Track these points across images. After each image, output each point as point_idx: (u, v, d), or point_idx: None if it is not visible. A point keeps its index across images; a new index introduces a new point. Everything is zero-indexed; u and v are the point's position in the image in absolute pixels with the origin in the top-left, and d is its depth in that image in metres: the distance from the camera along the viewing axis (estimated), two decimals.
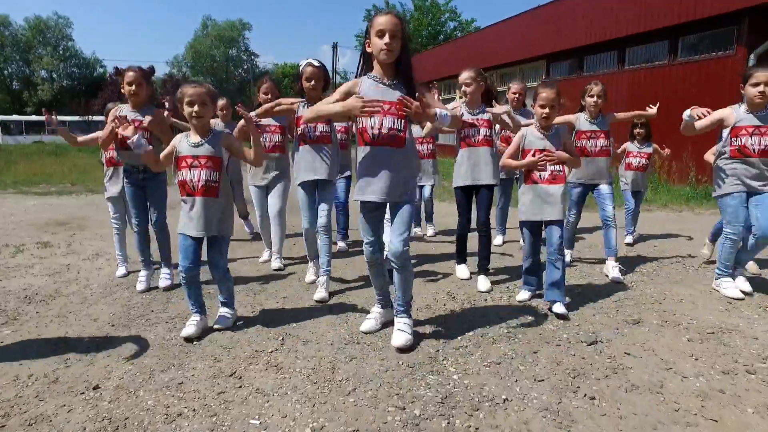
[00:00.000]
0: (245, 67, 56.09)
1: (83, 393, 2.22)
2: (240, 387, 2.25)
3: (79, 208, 8.03)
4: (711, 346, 2.69)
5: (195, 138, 2.83)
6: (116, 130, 3.11)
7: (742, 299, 3.43)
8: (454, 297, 3.51)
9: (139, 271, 3.90)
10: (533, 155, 3.22)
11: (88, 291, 3.80)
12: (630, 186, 5.22)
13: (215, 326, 2.95)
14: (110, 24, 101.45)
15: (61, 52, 50.66)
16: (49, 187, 11.14)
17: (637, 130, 5.18)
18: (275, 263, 4.29)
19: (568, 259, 4.28)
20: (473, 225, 3.86)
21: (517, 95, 4.96)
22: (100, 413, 2.05)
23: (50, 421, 2.01)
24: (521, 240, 4.20)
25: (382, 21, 2.40)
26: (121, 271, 4.20)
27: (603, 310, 3.24)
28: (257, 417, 2.01)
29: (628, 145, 5.26)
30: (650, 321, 3.05)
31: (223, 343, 2.77)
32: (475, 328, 2.90)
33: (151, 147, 3.03)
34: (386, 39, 2.39)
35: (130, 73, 3.52)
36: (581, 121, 4.05)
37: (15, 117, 38.52)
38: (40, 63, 48.98)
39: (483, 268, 3.75)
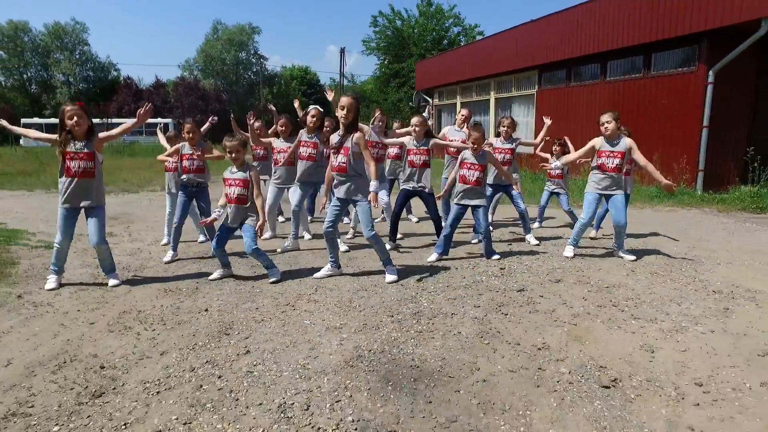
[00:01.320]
0: (254, 69, 57.72)
1: (199, 312, 3.63)
2: (294, 309, 3.67)
3: (120, 206, 9.22)
4: (601, 294, 4.05)
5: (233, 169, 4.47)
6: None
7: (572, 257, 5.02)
8: (435, 266, 4.90)
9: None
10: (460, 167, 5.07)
11: (165, 266, 5.21)
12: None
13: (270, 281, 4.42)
14: (124, 29, 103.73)
15: (77, 56, 52.48)
16: None
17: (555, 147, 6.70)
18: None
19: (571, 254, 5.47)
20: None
21: (462, 117, 6.56)
22: (213, 320, 3.46)
23: (189, 322, 3.42)
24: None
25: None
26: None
27: (537, 274, 4.61)
28: (308, 321, 3.42)
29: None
30: (569, 281, 4.41)
31: (276, 289, 4.17)
32: (445, 284, 4.29)
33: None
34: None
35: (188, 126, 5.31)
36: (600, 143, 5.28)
37: (36, 120, 40.32)
38: (58, 67, 50.83)
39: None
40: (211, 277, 4.51)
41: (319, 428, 2.14)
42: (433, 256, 5.12)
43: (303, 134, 5.52)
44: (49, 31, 51.24)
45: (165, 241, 6.06)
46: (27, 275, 4.61)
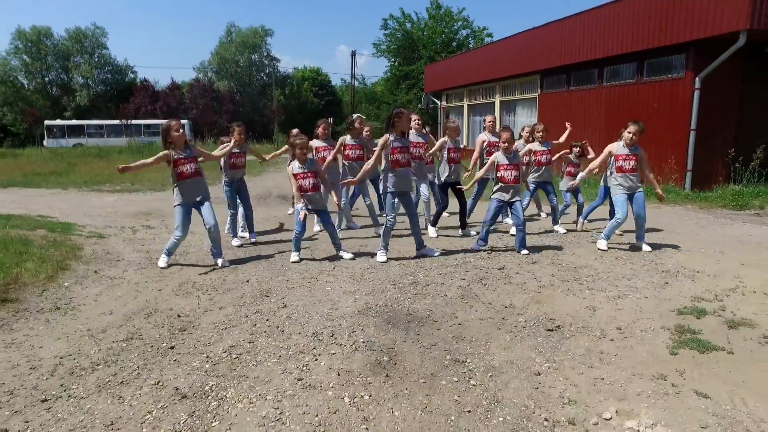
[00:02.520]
0: (267, 71, 59.01)
1: (242, 283, 4.59)
2: (317, 281, 4.62)
3: (152, 202, 10.05)
4: (568, 272, 4.93)
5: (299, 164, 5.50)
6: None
7: (606, 251, 5.70)
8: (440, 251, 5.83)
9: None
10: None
11: (206, 249, 6.18)
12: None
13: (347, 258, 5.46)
14: (141, 32, 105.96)
15: (96, 59, 54.09)
16: (114, 186, 13.10)
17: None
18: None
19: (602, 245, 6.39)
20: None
21: (491, 123, 7.57)
22: (254, 287, 4.42)
23: (236, 289, 4.39)
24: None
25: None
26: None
27: (518, 257, 5.50)
28: (329, 288, 4.37)
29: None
30: (544, 263, 5.30)
31: (302, 267, 5.12)
32: (440, 263, 5.20)
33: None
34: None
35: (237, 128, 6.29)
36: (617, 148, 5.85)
37: (59, 122, 41.85)
38: (78, 70, 52.45)
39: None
40: (292, 260, 5.41)
41: (341, 344, 3.10)
42: (475, 245, 5.88)
43: (347, 138, 6.88)
44: (70, 36, 52.88)
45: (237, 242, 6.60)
46: (94, 257, 5.61)
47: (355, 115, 7.10)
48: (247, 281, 4.63)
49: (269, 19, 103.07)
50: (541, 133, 6.95)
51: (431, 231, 6.73)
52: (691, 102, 11.26)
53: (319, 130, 7.04)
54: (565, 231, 6.86)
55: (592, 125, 13.91)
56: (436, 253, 5.56)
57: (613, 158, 5.81)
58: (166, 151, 5.09)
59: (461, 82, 21.03)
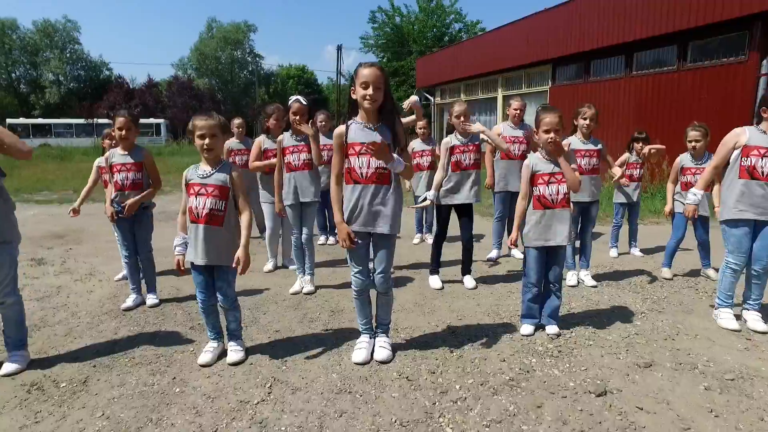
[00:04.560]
0: (250, 68, 56.14)
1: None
2: None
3: (78, 218, 7.89)
4: (733, 397, 2.49)
5: (205, 168, 2.85)
6: None
7: (739, 330, 3.26)
8: (454, 332, 3.33)
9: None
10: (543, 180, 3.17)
11: (75, 320, 3.67)
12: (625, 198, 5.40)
13: (229, 362, 2.91)
14: (117, 26, 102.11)
15: (68, 55, 50.90)
16: (51, 194, 11.11)
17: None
18: (308, 287, 4.24)
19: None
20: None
21: (518, 111, 5.15)
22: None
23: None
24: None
25: (365, 73, 2.61)
26: None
27: (612, 349, 3.05)
28: None
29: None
30: (663, 363, 2.86)
31: (207, 390, 2.61)
32: (475, 373, 2.73)
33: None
34: (369, 90, 2.62)
35: (120, 119, 3.71)
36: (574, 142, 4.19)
37: (22, 120, 38.72)
38: (47, 66, 49.23)
39: (466, 269, 4.39)
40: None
41: None
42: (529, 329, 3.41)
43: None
44: (38, 29, 49.70)
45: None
46: None
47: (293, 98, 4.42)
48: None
49: (258, 21, 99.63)
50: (587, 121, 4.20)
51: (467, 281, 4.40)
52: (755, 91, 8.93)
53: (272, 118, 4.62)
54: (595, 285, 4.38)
55: (616, 124, 11.54)
56: None
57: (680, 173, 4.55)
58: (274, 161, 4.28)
59: (458, 75, 18.58)
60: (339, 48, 36.20)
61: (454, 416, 2.31)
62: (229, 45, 53.70)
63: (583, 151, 4.15)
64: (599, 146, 4.21)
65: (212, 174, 2.81)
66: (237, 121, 5.90)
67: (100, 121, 34.54)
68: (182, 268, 2.84)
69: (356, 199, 2.73)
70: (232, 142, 5.82)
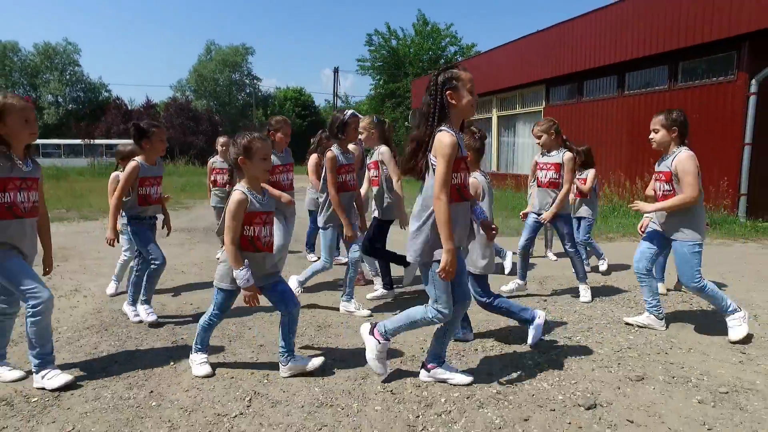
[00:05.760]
0: (248, 90, 56.67)
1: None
2: None
3: (68, 237, 7.83)
4: (726, 410, 2.41)
5: (257, 194, 2.71)
6: None
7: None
8: None
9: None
10: None
11: (54, 335, 3.55)
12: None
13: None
14: (118, 50, 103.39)
15: (68, 77, 51.38)
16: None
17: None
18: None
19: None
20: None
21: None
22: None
23: None
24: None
25: (472, 77, 2.48)
26: None
27: (603, 363, 2.97)
28: None
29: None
30: (656, 377, 2.78)
31: (185, 403, 2.51)
32: (461, 386, 2.64)
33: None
34: (475, 96, 2.48)
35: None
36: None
37: None
38: (47, 88, 49.62)
39: None
40: None
41: None
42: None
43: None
44: (39, 51, 50.25)
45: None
46: None
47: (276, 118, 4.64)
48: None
49: (256, 44, 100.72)
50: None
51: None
52: (744, 110, 9.03)
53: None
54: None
55: (609, 142, 11.63)
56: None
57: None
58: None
59: None
60: (336, 70, 36.65)
61: (437, 429, 2.22)
62: (228, 67, 54.34)
63: (541, 164, 4.39)
64: (560, 159, 4.25)
65: (266, 200, 2.75)
66: (222, 139, 5.95)
67: (96, 141, 34.54)
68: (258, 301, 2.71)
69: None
70: (216, 161, 5.86)
